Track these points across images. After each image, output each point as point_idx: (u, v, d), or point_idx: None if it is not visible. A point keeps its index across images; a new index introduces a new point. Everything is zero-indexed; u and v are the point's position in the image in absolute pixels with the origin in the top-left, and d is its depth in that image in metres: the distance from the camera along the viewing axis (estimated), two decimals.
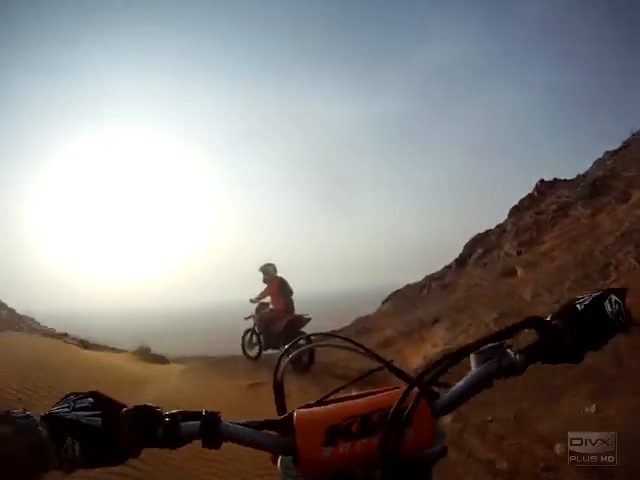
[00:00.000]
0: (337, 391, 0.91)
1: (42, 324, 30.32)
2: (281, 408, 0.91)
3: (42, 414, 0.69)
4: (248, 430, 0.79)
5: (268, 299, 9.73)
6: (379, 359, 0.95)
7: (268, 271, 9.61)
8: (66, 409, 0.71)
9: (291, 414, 0.81)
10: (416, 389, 0.76)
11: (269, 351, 9.19)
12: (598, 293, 0.84)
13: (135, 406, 0.76)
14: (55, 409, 0.72)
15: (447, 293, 14.13)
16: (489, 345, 0.81)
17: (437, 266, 17.78)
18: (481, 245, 16.32)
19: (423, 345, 10.07)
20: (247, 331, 9.67)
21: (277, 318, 9.10)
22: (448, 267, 16.99)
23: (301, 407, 0.83)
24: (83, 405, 0.72)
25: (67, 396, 0.74)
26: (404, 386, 0.78)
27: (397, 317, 13.77)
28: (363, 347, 0.98)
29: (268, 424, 0.81)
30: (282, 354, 0.99)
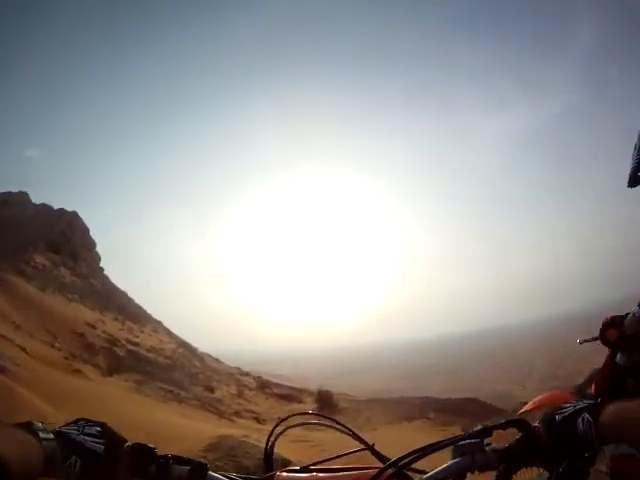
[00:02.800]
0: (320, 462, 1.02)
1: (226, 363, 32.69)
2: (268, 468, 1.04)
3: (54, 430, 0.82)
4: None
5: None
6: (362, 441, 1.06)
7: None
8: (75, 431, 0.84)
9: (273, 475, 0.95)
10: (390, 471, 0.85)
11: None
12: (579, 406, 0.84)
13: (135, 443, 0.89)
14: (65, 428, 0.85)
15: None
16: (468, 440, 0.86)
17: None
18: None
19: None
20: None
21: None
22: None
23: (284, 470, 0.97)
24: (90, 432, 0.85)
25: (78, 420, 0.87)
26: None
27: None
28: (348, 428, 1.10)
29: None
30: (275, 426, 1.14)
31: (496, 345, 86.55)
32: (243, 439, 8.38)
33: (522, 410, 3.12)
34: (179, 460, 0.90)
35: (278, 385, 27.95)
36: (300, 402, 21.87)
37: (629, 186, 1.84)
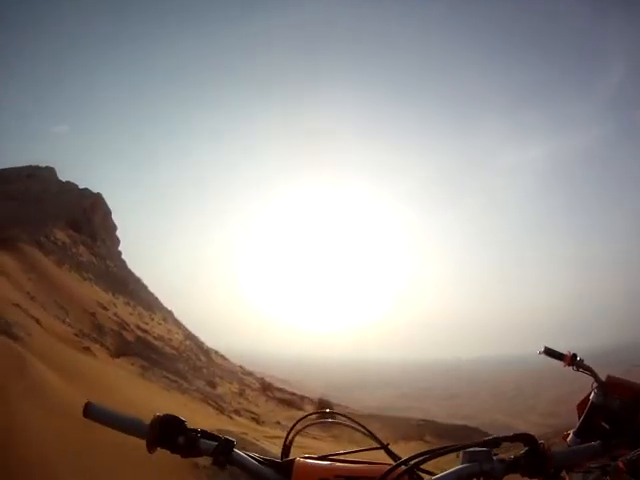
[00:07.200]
0: (337, 454, 1.04)
1: (232, 360, 32.67)
2: (285, 454, 1.05)
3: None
4: (254, 463, 0.94)
5: None
6: (377, 440, 1.14)
7: None
8: None
9: (293, 460, 0.96)
10: (402, 468, 0.89)
11: None
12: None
13: (166, 414, 0.92)
14: None
15: None
16: (477, 448, 0.90)
17: None
18: None
19: None
20: None
21: None
22: None
23: (303, 457, 0.97)
24: None
25: None
26: None
27: None
28: (365, 428, 1.17)
29: (272, 463, 0.96)
30: (298, 420, 1.17)
31: (500, 375, 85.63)
32: (242, 436, 8.25)
33: None
34: (207, 435, 0.92)
35: (280, 389, 27.76)
36: (299, 409, 21.56)
37: None
